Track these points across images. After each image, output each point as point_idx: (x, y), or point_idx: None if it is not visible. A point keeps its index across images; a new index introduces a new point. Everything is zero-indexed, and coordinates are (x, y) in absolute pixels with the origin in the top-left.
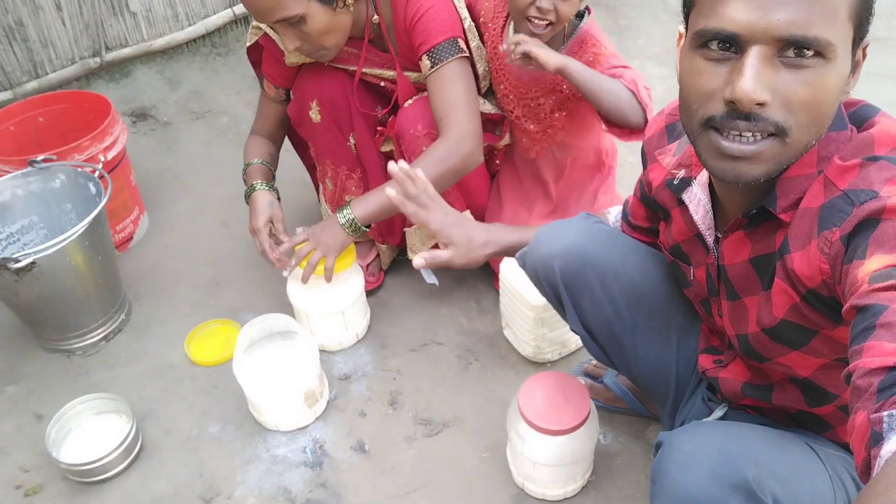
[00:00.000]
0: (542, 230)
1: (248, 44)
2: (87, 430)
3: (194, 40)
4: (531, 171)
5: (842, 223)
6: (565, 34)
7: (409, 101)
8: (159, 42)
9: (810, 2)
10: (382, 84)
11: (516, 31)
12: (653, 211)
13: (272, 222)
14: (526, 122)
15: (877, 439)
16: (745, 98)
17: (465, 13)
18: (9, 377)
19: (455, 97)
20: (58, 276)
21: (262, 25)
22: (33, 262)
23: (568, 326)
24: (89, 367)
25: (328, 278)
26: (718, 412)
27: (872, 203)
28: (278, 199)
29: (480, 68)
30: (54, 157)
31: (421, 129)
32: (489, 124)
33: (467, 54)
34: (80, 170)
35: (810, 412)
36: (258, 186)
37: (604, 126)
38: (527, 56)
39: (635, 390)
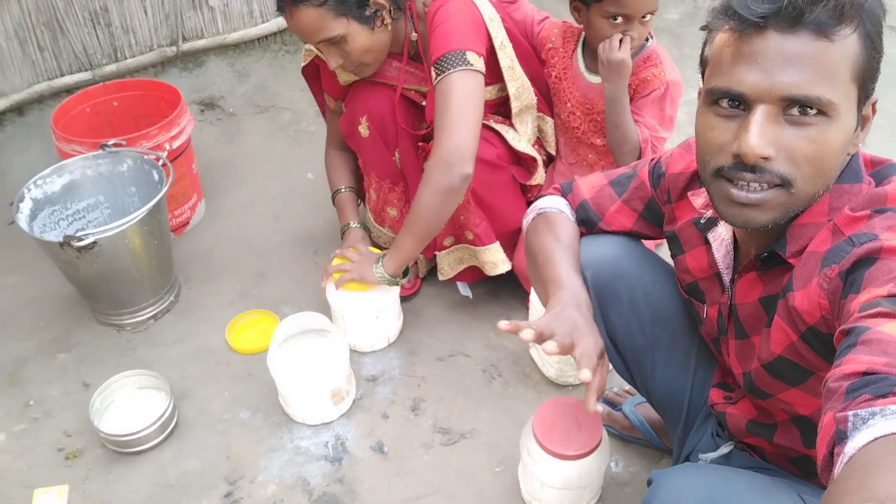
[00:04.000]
0: (583, 240)
1: (303, 64)
2: (129, 403)
3: (266, 37)
4: None
5: (841, 261)
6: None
7: None
8: (233, 36)
9: (812, 65)
10: (423, 103)
11: (588, 54)
12: (651, 231)
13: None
14: (592, 136)
15: (841, 437)
16: (751, 152)
17: (497, 32)
18: (62, 345)
19: (444, 111)
20: (116, 256)
21: (312, 47)
22: (95, 242)
23: None
24: (137, 343)
25: (336, 286)
26: (724, 449)
27: (871, 244)
28: (369, 233)
29: (512, 88)
30: (124, 142)
31: None
32: (523, 162)
33: (477, 69)
34: (145, 157)
35: (809, 455)
36: (352, 225)
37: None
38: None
39: (652, 421)
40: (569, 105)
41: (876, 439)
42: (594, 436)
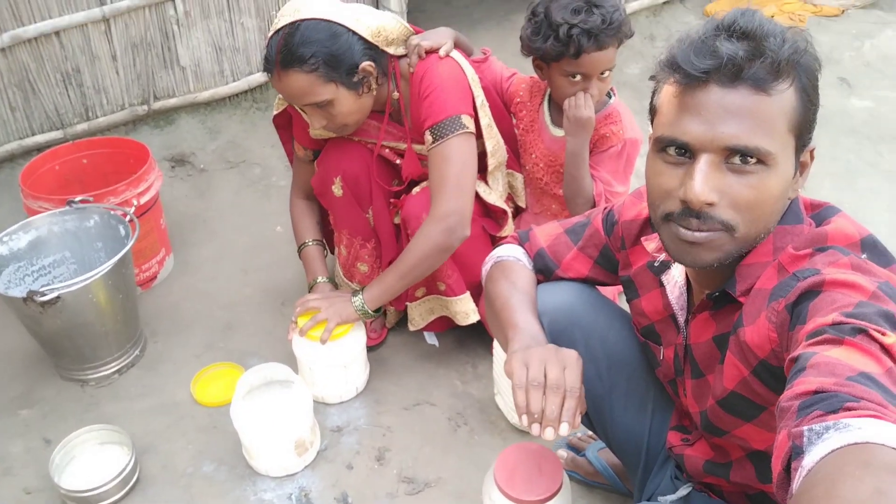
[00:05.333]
0: (539, 288)
1: (276, 112)
2: (90, 459)
3: (237, 95)
4: None
5: (787, 294)
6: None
7: (418, 189)
8: (204, 94)
9: (751, 117)
10: (398, 161)
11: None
12: (606, 278)
13: None
14: (555, 187)
15: (797, 452)
16: (696, 199)
17: (478, 92)
18: (25, 401)
19: (446, 175)
20: (80, 311)
21: None
22: (58, 297)
23: None
24: (100, 398)
25: (323, 340)
26: (682, 491)
27: (814, 278)
28: (335, 285)
29: (489, 146)
30: (91, 198)
31: (426, 215)
32: (493, 214)
33: (471, 131)
34: (112, 212)
35: (765, 492)
36: (320, 280)
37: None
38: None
39: (615, 466)
40: (534, 156)
41: (833, 451)
42: (554, 481)
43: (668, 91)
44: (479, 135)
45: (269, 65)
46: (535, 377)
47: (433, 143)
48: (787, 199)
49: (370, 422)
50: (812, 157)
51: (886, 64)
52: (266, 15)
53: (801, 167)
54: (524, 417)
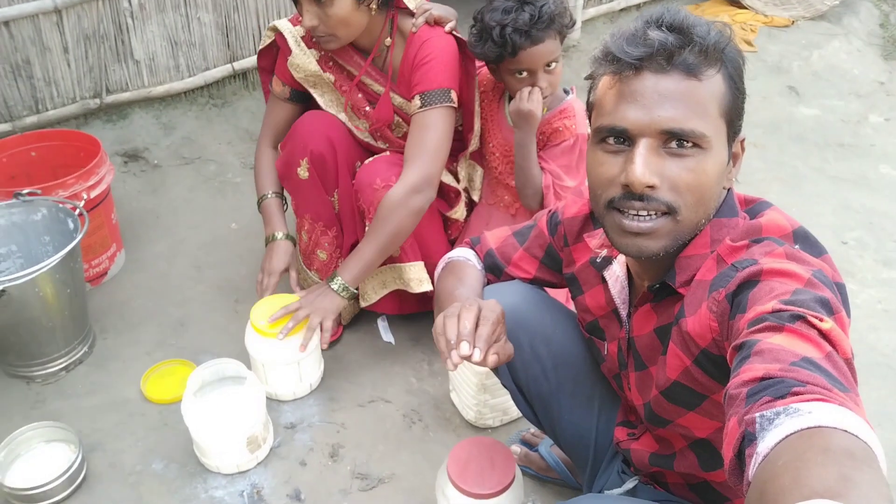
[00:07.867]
0: (486, 290)
1: (262, 46)
2: (36, 457)
3: (192, 90)
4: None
5: (727, 284)
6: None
7: (369, 160)
8: (159, 89)
9: (685, 102)
10: (367, 109)
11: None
12: (553, 277)
13: (288, 270)
14: (508, 177)
15: (750, 439)
16: (637, 181)
17: (471, 69)
18: None
19: (426, 141)
20: (26, 306)
21: (280, 24)
22: (3, 290)
23: (509, 394)
24: (46, 396)
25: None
26: (629, 484)
27: (752, 267)
28: (295, 245)
29: (477, 126)
30: (39, 191)
31: (379, 181)
32: (446, 194)
33: (455, 105)
34: (61, 205)
35: (708, 482)
36: (279, 237)
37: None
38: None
39: (567, 461)
40: (491, 145)
41: (787, 437)
42: (507, 475)
43: (604, 83)
44: (471, 111)
45: None
46: (452, 312)
47: (420, 108)
48: (721, 187)
49: (324, 418)
50: (743, 148)
51: (833, 74)
52: (223, 10)
53: (733, 158)
54: (450, 355)
